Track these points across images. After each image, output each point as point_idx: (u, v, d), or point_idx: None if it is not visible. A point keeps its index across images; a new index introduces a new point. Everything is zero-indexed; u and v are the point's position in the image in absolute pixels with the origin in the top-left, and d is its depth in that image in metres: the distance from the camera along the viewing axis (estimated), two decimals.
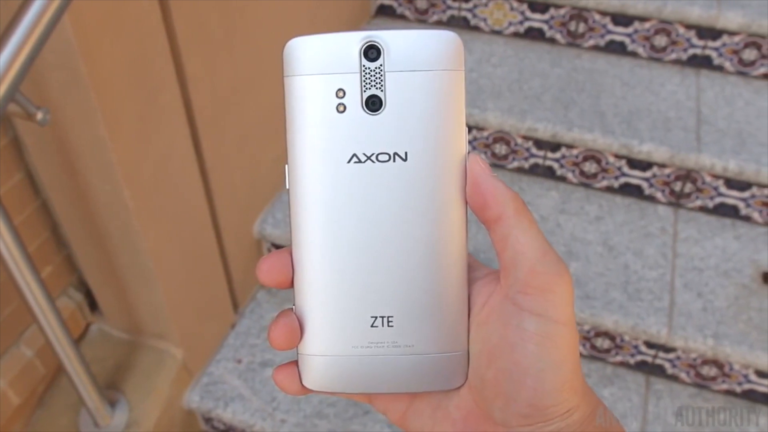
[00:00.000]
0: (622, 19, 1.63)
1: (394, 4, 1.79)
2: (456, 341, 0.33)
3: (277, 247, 1.52)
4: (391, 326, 0.32)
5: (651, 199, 1.55)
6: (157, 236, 1.14)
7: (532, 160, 1.58)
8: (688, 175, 1.48)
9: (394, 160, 0.31)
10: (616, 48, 1.69)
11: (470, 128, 1.57)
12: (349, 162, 0.31)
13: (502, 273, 0.31)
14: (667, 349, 1.35)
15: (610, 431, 0.31)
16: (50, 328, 0.99)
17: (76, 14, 0.83)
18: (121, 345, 1.33)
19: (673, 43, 1.64)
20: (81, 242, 1.18)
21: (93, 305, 1.32)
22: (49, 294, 0.96)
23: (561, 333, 0.30)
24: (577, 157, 1.54)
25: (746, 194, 1.47)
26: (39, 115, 0.81)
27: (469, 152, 0.32)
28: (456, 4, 1.73)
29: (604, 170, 1.54)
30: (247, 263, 1.50)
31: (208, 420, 1.40)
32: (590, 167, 1.54)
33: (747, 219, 1.50)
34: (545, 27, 1.71)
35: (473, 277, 0.33)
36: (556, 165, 1.57)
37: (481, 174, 0.31)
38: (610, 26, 1.65)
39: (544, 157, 1.57)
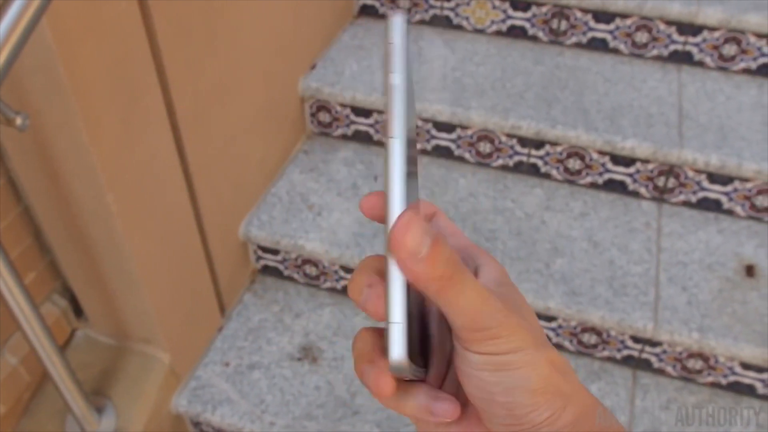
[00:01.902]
0: (603, 16, 1.64)
1: (377, 5, 1.79)
2: None
3: (264, 249, 1.52)
4: None
5: (635, 194, 1.56)
6: (142, 240, 1.13)
7: (516, 158, 1.59)
8: (671, 171, 1.49)
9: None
10: (598, 45, 1.70)
11: (454, 127, 1.58)
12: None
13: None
14: (653, 344, 1.36)
15: (609, 431, 0.31)
16: (35, 335, 0.98)
17: (54, 17, 0.82)
18: (108, 350, 1.32)
19: (654, 39, 1.65)
20: (64, 248, 1.17)
21: (78, 311, 1.31)
22: (33, 300, 0.95)
23: (514, 359, 0.29)
24: (561, 154, 1.54)
25: (728, 188, 1.48)
26: (18, 120, 0.80)
27: (396, 221, 0.29)
28: (438, 4, 1.74)
29: (588, 167, 1.55)
30: (233, 266, 1.49)
31: (196, 424, 1.39)
32: (574, 164, 1.55)
33: (730, 213, 1.51)
34: (527, 25, 1.71)
35: None
36: (540, 162, 1.58)
37: (403, 262, 0.28)
38: (592, 23, 1.66)
39: (528, 155, 1.57)
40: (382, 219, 0.31)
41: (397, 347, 0.30)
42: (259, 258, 1.55)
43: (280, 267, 1.55)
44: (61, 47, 0.85)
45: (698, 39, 1.62)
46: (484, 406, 0.30)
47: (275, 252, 1.51)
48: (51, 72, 0.87)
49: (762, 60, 1.61)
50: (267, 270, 1.57)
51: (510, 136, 1.55)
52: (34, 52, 0.84)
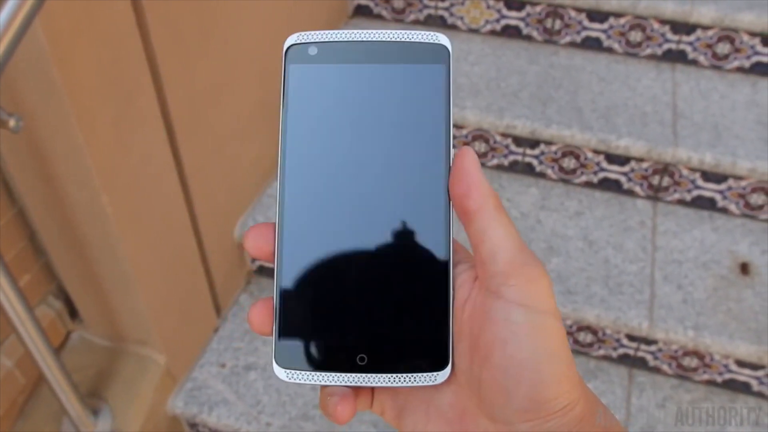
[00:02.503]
0: (597, 15, 1.65)
1: (371, 5, 1.79)
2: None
3: None
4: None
5: (630, 193, 1.56)
6: (137, 242, 1.13)
7: (511, 157, 1.59)
8: (665, 169, 1.50)
9: None
10: (592, 44, 1.70)
11: None
12: None
13: (480, 267, 0.31)
14: (649, 342, 1.37)
15: (611, 431, 0.31)
16: (30, 338, 0.98)
17: (47, 19, 0.82)
18: (103, 352, 1.31)
19: (648, 38, 1.65)
20: (59, 250, 1.16)
21: (73, 313, 1.31)
22: (28, 303, 0.95)
23: (549, 322, 0.30)
24: (555, 153, 1.55)
25: (723, 186, 1.48)
26: (11, 123, 0.80)
27: (463, 146, 0.33)
28: (433, 3, 1.74)
29: (583, 166, 1.55)
30: (229, 267, 1.49)
31: (193, 425, 1.39)
32: (569, 163, 1.55)
33: (724, 211, 1.52)
34: (522, 24, 1.72)
35: (454, 270, 0.33)
36: (535, 161, 1.58)
37: (469, 164, 0.32)
38: (586, 22, 1.67)
39: (524, 154, 1.57)
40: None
41: (274, 362, 0.33)
42: (254, 259, 1.55)
43: None
44: (55, 48, 0.85)
45: (692, 38, 1.62)
46: (508, 385, 0.29)
47: None
48: (44, 73, 0.87)
49: (755, 58, 1.61)
50: (263, 271, 1.57)
51: (505, 135, 1.55)
52: (27, 54, 0.84)
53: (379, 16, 1.80)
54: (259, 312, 0.33)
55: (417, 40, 0.33)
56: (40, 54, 0.84)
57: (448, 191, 0.33)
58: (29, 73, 0.87)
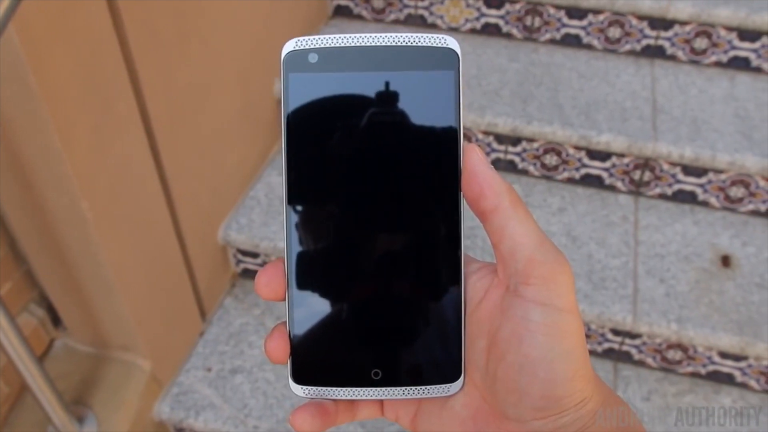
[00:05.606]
0: (576, 12, 1.66)
1: (351, 5, 1.79)
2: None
3: (243, 252, 1.51)
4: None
5: (611, 188, 1.57)
6: (118, 247, 1.12)
7: (493, 155, 1.59)
8: (646, 164, 1.51)
9: None
10: (571, 41, 1.71)
11: None
12: None
13: (500, 265, 0.31)
14: (633, 336, 1.38)
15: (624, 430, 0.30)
16: (12, 347, 0.97)
17: (23, 24, 0.81)
18: (87, 359, 1.30)
19: (627, 34, 1.66)
20: (40, 257, 1.15)
21: (56, 320, 1.30)
22: (9, 311, 0.94)
23: (567, 321, 0.29)
24: (537, 150, 1.55)
25: (703, 180, 1.50)
26: None
27: (465, 143, 0.32)
28: (412, 3, 1.74)
29: (565, 162, 1.56)
30: (213, 270, 1.48)
31: (180, 430, 1.38)
32: (551, 160, 1.56)
33: (705, 204, 1.53)
34: (501, 22, 1.72)
35: (466, 273, 0.33)
36: (517, 159, 1.59)
37: (478, 164, 0.31)
38: (565, 20, 1.68)
39: (505, 152, 1.58)
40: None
41: (290, 379, 0.33)
42: (239, 261, 1.54)
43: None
44: (31, 54, 0.84)
45: (670, 33, 1.64)
46: (522, 383, 0.30)
47: (255, 255, 1.51)
48: (21, 79, 0.86)
49: (732, 53, 1.63)
50: (247, 273, 1.56)
51: (486, 133, 1.55)
52: (2, 60, 0.83)
53: (359, 17, 1.80)
54: (276, 343, 0.33)
55: (424, 44, 0.31)
56: (16, 60, 0.83)
57: (461, 201, 0.32)
58: (5, 79, 0.86)
